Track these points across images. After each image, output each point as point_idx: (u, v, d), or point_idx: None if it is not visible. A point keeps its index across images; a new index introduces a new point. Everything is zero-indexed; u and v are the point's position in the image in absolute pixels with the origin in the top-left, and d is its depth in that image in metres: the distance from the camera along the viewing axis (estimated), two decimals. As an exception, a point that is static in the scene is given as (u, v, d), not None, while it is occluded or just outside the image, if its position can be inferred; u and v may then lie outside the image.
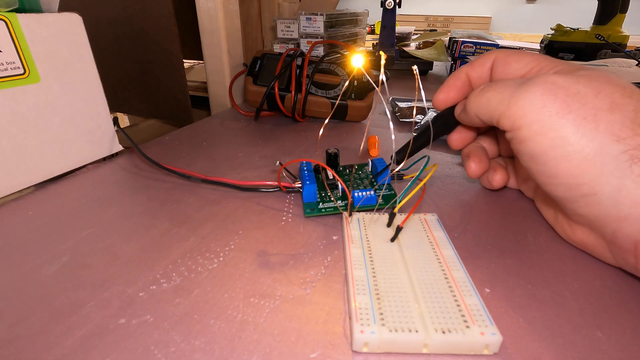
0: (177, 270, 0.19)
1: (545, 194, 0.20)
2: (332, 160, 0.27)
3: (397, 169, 0.24)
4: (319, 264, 0.20)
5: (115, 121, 0.33)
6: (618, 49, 0.67)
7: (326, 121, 0.24)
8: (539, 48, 0.80)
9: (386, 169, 0.26)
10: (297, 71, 0.40)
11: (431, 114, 0.40)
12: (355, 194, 0.23)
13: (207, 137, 0.37)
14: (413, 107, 0.44)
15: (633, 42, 0.81)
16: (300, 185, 0.25)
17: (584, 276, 0.19)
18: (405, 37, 0.86)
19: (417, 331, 0.15)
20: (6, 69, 0.24)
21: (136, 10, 0.45)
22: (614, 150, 0.16)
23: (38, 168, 0.27)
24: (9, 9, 0.25)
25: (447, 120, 0.25)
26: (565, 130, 0.17)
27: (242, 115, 0.44)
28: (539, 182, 0.19)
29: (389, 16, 0.66)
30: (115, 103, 0.54)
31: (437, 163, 0.29)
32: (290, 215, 0.24)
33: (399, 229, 0.20)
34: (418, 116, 0.41)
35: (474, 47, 0.63)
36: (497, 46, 0.64)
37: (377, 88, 0.19)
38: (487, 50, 0.63)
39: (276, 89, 0.39)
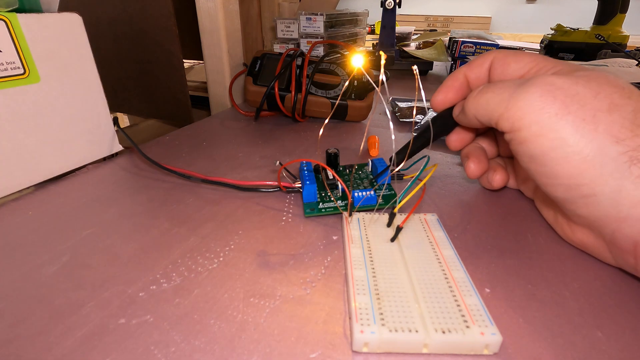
0: (177, 270, 0.19)
1: (545, 195, 0.20)
2: (332, 160, 0.27)
3: (396, 170, 0.24)
4: (319, 264, 0.20)
5: (115, 121, 0.33)
6: (618, 49, 0.67)
7: (326, 121, 0.24)
8: (539, 48, 0.80)
9: (386, 169, 0.26)
10: (297, 71, 0.40)
11: (431, 114, 0.40)
12: (355, 194, 0.23)
13: (207, 137, 0.37)
14: (413, 107, 0.44)
15: (633, 42, 0.81)
16: (300, 185, 0.25)
17: (584, 276, 0.19)
18: (405, 37, 0.86)
19: (417, 331, 0.15)
20: (6, 69, 0.24)
21: (136, 10, 0.45)
22: (613, 152, 0.16)
23: (38, 168, 0.27)
24: (9, 9, 0.25)
25: (445, 122, 0.25)
26: (564, 131, 0.17)
27: (242, 115, 0.44)
28: (539, 183, 0.19)
29: (389, 16, 0.66)
30: (115, 103, 0.54)
31: (437, 163, 0.29)
32: (290, 215, 0.24)
33: (399, 229, 0.20)
34: (418, 116, 0.41)
35: (474, 47, 0.63)
36: (497, 46, 0.64)
37: (377, 88, 0.19)
38: (487, 50, 0.63)
39: (276, 89, 0.39)
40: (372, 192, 0.24)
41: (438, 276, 0.17)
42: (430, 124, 0.24)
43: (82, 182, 0.28)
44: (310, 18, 0.54)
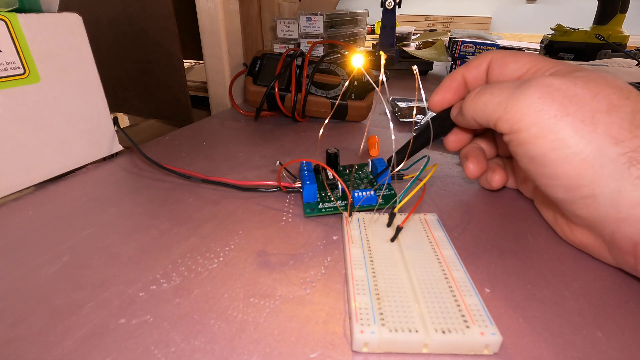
0: (177, 270, 0.19)
1: (545, 195, 0.20)
2: (332, 160, 0.27)
3: (396, 170, 0.24)
4: (319, 264, 0.20)
5: (115, 121, 0.33)
6: (618, 49, 0.67)
7: (326, 121, 0.24)
8: (539, 48, 0.80)
9: (386, 169, 0.26)
10: (297, 71, 0.40)
11: (431, 114, 0.40)
12: (355, 194, 0.23)
13: (207, 137, 0.37)
14: (413, 107, 0.44)
15: (633, 42, 0.81)
16: (300, 185, 0.25)
17: (584, 276, 0.19)
18: (405, 37, 0.86)
19: (417, 331, 0.15)
20: (6, 69, 0.24)
21: (136, 10, 0.45)
22: (612, 153, 0.16)
23: (38, 168, 0.27)
24: (9, 9, 0.25)
25: (443, 122, 0.25)
26: (563, 132, 0.17)
27: (242, 115, 0.44)
28: (538, 183, 0.19)
29: (389, 16, 0.66)
30: (115, 103, 0.54)
31: (437, 163, 0.29)
32: (290, 215, 0.24)
33: (399, 229, 0.20)
34: (418, 116, 0.41)
35: (474, 47, 0.63)
36: (497, 46, 0.64)
37: (377, 88, 0.19)
38: (487, 50, 0.63)
39: (276, 89, 0.39)
40: (372, 192, 0.24)
41: (438, 276, 0.17)
42: (430, 124, 0.24)
43: (82, 182, 0.28)
44: (310, 18, 0.54)
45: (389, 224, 0.21)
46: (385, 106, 0.29)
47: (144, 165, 0.31)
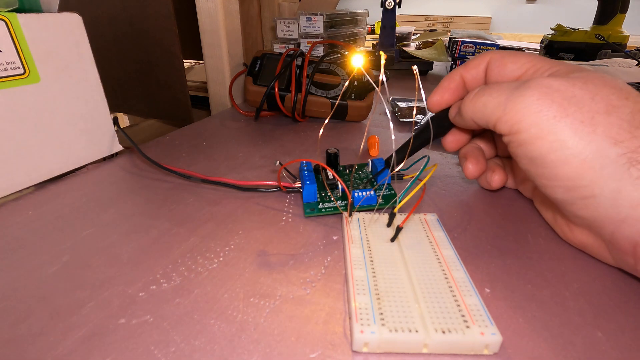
0: (177, 270, 0.19)
1: (544, 195, 0.20)
2: (332, 160, 0.27)
3: (396, 170, 0.24)
4: (319, 264, 0.20)
5: (115, 121, 0.33)
6: (618, 49, 0.67)
7: (326, 121, 0.24)
8: (539, 48, 0.80)
9: (386, 169, 0.26)
10: (297, 71, 0.40)
11: (431, 114, 0.40)
12: (355, 194, 0.23)
13: (207, 137, 0.37)
14: (413, 107, 0.44)
15: (633, 42, 0.81)
16: (300, 185, 0.25)
17: (584, 276, 0.19)
18: (405, 37, 0.86)
19: (417, 331, 0.15)
20: (6, 69, 0.24)
21: (136, 10, 0.45)
22: (612, 153, 0.16)
23: (38, 168, 0.27)
24: (9, 9, 0.25)
25: (441, 122, 0.25)
26: (563, 133, 0.17)
27: (242, 115, 0.44)
28: (538, 184, 0.19)
29: (389, 16, 0.66)
30: (115, 103, 0.54)
31: (437, 163, 0.29)
32: (290, 215, 0.24)
33: (399, 229, 0.20)
34: (418, 116, 0.41)
35: (474, 47, 0.63)
36: (497, 46, 0.64)
37: (377, 88, 0.19)
38: (487, 50, 0.63)
39: (276, 89, 0.39)
40: (372, 192, 0.24)
41: (438, 276, 0.17)
42: (430, 123, 0.24)
43: (82, 182, 0.28)
44: (310, 18, 0.54)
45: (389, 224, 0.21)
46: (385, 106, 0.29)
47: (144, 166, 0.31)
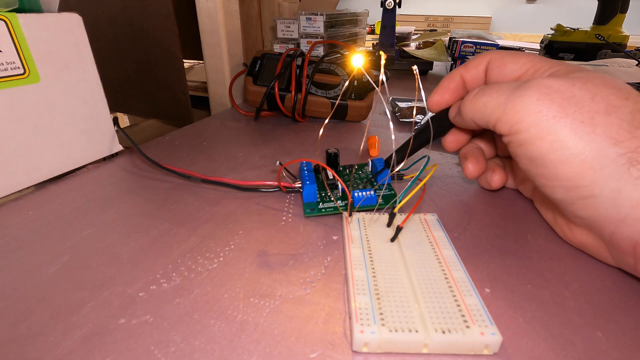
0: (177, 270, 0.19)
1: (544, 195, 0.20)
2: (332, 160, 0.27)
3: (396, 170, 0.24)
4: (319, 264, 0.20)
5: (115, 121, 0.33)
6: (618, 49, 0.67)
7: (326, 121, 0.24)
8: (539, 48, 0.80)
9: (386, 169, 0.26)
10: (297, 71, 0.40)
11: (431, 114, 0.40)
12: (355, 194, 0.23)
13: (207, 137, 0.37)
14: (413, 107, 0.44)
15: (633, 42, 0.81)
16: (300, 185, 0.25)
17: (584, 276, 0.19)
18: (405, 37, 0.86)
19: (417, 331, 0.15)
20: (6, 69, 0.24)
21: (136, 10, 0.45)
22: (611, 153, 0.16)
23: (38, 168, 0.27)
24: (9, 9, 0.25)
25: (441, 122, 0.25)
26: (562, 134, 0.17)
27: (242, 115, 0.44)
28: (538, 184, 0.19)
29: (389, 16, 0.66)
30: (115, 103, 0.54)
31: (437, 163, 0.29)
32: (290, 215, 0.24)
33: (399, 229, 0.20)
34: (418, 116, 0.41)
35: (474, 47, 0.63)
36: (497, 46, 0.64)
37: (377, 88, 0.19)
38: (487, 50, 0.63)
39: (276, 89, 0.39)
40: (372, 192, 0.24)
41: (438, 276, 0.17)
42: (430, 123, 0.24)
43: (82, 182, 0.28)
44: (310, 18, 0.54)
45: (389, 224, 0.21)
46: (385, 106, 0.29)
47: (144, 165, 0.31)
